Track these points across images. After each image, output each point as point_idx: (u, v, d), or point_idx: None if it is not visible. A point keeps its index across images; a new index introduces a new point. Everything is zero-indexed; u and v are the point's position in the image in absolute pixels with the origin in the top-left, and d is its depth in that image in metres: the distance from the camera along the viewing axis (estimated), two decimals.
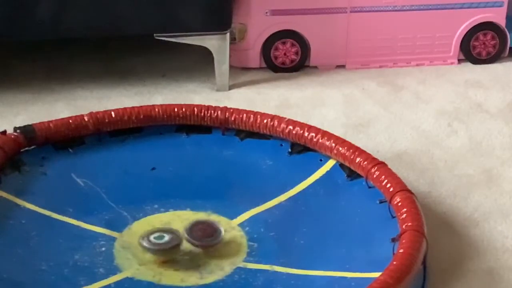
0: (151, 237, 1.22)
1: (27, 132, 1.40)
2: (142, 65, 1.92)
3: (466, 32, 1.93)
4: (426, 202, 1.41)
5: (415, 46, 1.94)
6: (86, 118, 1.44)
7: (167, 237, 1.22)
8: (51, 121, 1.43)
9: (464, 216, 1.39)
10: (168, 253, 1.22)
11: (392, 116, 1.73)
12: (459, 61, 1.96)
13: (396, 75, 1.91)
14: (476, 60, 1.96)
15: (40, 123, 1.42)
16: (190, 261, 1.23)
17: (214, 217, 1.31)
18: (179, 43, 1.78)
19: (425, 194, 1.44)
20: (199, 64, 1.90)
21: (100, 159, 1.42)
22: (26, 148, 1.40)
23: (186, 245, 1.24)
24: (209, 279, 1.20)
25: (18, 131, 1.39)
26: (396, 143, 1.63)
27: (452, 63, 1.96)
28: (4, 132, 1.38)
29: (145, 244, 1.21)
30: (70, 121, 1.43)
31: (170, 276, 1.20)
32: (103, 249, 1.25)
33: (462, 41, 1.94)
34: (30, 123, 1.42)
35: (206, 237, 1.24)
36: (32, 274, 1.18)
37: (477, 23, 1.93)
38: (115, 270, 1.20)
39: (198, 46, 1.80)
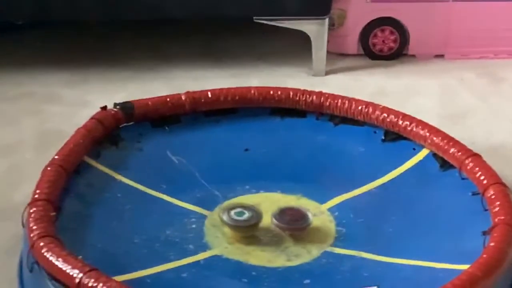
0: (232, 212, 1.24)
1: (126, 108, 1.43)
2: (239, 47, 1.94)
3: None
4: None
5: None
6: (183, 97, 1.46)
7: (247, 214, 1.24)
8: (149, 99, 1.46)
9: None
10: (246, 230, 1.24)
11: (490, 108, 1.70)
12: None
13: (497, 67, 1.87)
14: None
15: (138, 100, 1.45)
16: (278, 243, 1.24)
17: (303, 201, 1.32)
18: (277, 26, 1.79)
19: None
20: (296, 48, 1.90)
21: (195, 138, 1.45)
22: (125, 124, 1.43)
23: (273, 228, 1.25)
24: (296, 261, 1.20)
25: (117, 107, 1.43)
26: (493, 135, 1.60)
27: None
28: (105, 108, 1.42)
29: (224, 218, 1.23)
30: (168, 99, 1.46)
31: (257, 256, 1.21)
32: (194, 226, 1.27)
33: None
34: (129, 100, 1.45)
35: (294, 221, 1.25)
36: (125, 246, 1.21)
37: None
38: (204, 247, 1.23)
39: (295, 30, 1.81)
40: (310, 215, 1.26)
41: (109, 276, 1.04)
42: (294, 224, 1.25)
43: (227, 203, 1.30)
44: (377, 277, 1.16)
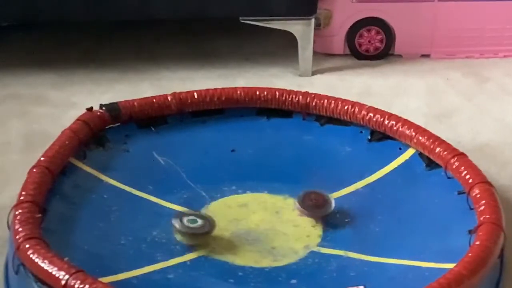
0: (185, 220, 1.22)
1: (112, 109, 1.43)
2: (226, 48, 1.94)
3: None
4: (506, 196, 1.39)
5: (503, 37, 1.90)
6: (169, 98, 1.46)
7: (200, 222, 1.22)
8: (135, 100, 1.45)
9: None
10: (197, 238, 1.22)
11: (476, 107, 1.71)
12: None
13: (482, 66, 1.88)
14: None
15: (125, 101, 1.45)
16: (265, 243, 1.24)
17: (290, 201, 1.32)
18: (263, 27, 1.79)
19: (506, 187, 1.42)
20: (283, 48, 1.91)
21: (181, 139, 1.45)
22: (111, 125, 1.43)
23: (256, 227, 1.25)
24: (283, 261, 1.20)
25: (103, 108, 1.43)
26: (478, 135, 1.60)
27: None
28: (91, 109, 1.42)
29: (176, 225, 1.21)
30: (154, 100, 1.46)
31: (244, 257, 1.21)
32: None
33: None
34: (115, 101, 1.45)
35: (317, 207, 1.26)
36: (112, 247, 1.21)
37: None
38: (191, 248, 1.22)
39: (282, 31, 1.81)
40: (332, 200, 1.27)
41: (95, 277, 1.04)
42: (316, 211, 1.26)
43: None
44: (364, 276, 1.16)
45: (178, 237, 1.23)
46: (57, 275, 1.03)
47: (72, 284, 1.02)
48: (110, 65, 1.86)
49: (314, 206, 1.27)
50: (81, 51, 1.93)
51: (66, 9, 1.77)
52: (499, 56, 1.92)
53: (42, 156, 1.28)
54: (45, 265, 1.05)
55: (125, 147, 1.41)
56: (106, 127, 1.42)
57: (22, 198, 1.18)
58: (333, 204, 1.27)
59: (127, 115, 1.44)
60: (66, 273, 1.03)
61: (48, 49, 1.94)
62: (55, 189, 1.25)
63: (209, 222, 1.23)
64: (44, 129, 1.58)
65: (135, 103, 1.45)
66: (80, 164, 1.33)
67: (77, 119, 1.39)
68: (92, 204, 1.28)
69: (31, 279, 1.07)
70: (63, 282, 1.02)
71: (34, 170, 1.24)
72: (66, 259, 1.06)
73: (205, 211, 1.30)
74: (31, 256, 1.07)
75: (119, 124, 1.44)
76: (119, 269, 1.15)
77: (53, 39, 1.98)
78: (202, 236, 1.22)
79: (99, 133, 1.40)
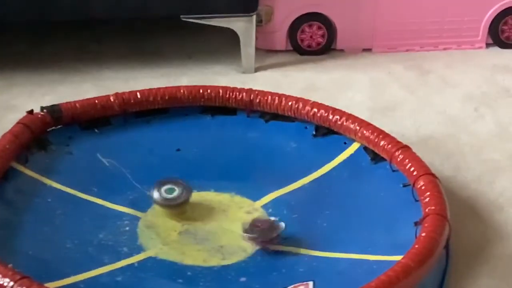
0: (162, 190, 1.27)
1: (53, 111, 1.41)
2: (169, 46, 1.93)
3: (495, 16, 1.92)
4: (450, 186, 1.40)
5: (443, 29, 1.92)
6: (112, 99, 1.45)
7: (177, 191, 1.27)
8: (77, 101, 1.44)
9: (488, 201, 1.38)
10: (177, 208, 1.27)
11: (419, 100, 1.72)
12: (487, 45, 1.95)
13: (423, 59, 1.89)
14: (505, 44, 1.94)
15: (66, 103, 1.43)
16: (213, 241, 1.24)
17: (237, 199, 1.32)
18: (205, 24, 1.79)
19: (450, 178, 1.43)
20: (225, 46, 1.90)
21: (126, 140, 1.43)
22: (53, 128, 1.41)
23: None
24: (231, 260, 1.20)
25: (44, 110, 1.41)
26: (422, 127, 1.62)
27: (480, 47, 1.94)
28: (31, 112, 1.40)
29: (155, 197, 1.26)
30: (96, 101, 1.44)
31: (192, 256, 1.20)
32: (127, 228, 1.26)
33: (490, 25, 1.92)
34: (57, 103, 1.43)
35: (265, 233, 1.22)
36: (57, 252, 1.19)
37: (506, 7, 1.91)
38: (138, 249, 1.21)
39: (224, 28, 1.80)
40: (281, 224, 1.23)
41: (41, 283, 1.02)
42: (265, 236, 1.22)
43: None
44: (313, 272, 1.17)
45: (157, 208, 1.27)
46: (1, 282, 1.01)
47: None
48: (51, 66, 1.83)
49: (261, 231, 1.23)
50: (19, 53, 1.90)
51: (2, 11, 1.73)
52: (439, 48, 1.94)
53: None
54: None
55: (68, 150, 1.39)
56: (48, 130, 1.40)
57: None
58: (281, 228, 1.23)
59: (69, 117, 1.42)
60: (11, 280, 1.01)
61: None
62: None
63: (186, 189, 1.28)
64: None
65: (77, 105, 1.43)
66: (22, 168, 1.31)
67: (18, 122, 1.36)
68: (35, 209, 1.26)
69: None
70: None
71: None
72: (10, 265, 1.04)
73: (152, 211, 1.29)
74: None
75: (61, 126, 1.42)
76: (66, 274, 1.13)
77: None
78: (181, 205, 1.27)
79: (41, 136, 1.38)
